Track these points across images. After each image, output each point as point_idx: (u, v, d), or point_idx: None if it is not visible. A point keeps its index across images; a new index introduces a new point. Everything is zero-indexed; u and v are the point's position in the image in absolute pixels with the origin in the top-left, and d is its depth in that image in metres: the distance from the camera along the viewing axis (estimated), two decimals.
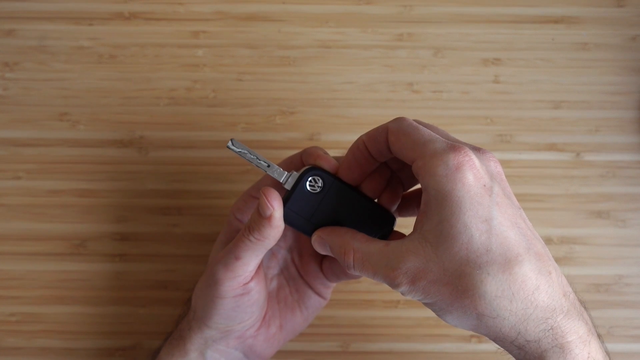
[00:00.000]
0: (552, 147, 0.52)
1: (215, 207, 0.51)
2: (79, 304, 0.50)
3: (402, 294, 0.33)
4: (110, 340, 0.50)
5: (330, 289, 0.44)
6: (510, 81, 0.53)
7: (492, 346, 0.49)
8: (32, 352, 0.50)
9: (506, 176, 0.51)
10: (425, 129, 0.34)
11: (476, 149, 0.34)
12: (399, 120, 0.35)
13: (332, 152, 0.51)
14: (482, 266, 0.30)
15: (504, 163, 0.52)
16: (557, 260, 0.51)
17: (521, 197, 0.51)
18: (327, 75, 0.53)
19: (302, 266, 0.43)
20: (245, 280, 0.37)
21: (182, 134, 0.52)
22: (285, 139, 0.52)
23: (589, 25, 0.54)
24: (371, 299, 0.51)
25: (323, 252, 0.37)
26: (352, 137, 0.51)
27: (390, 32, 0.54)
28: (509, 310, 0.30)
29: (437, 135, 0.34)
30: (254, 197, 0.41)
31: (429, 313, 0.50)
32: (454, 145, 0.32)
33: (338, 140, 0.52)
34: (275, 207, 0.35)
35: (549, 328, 0.30)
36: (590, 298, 0.51)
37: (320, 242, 0.37)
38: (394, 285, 0.33)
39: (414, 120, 0.36)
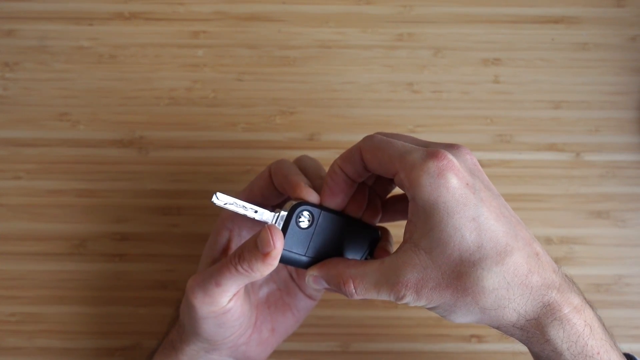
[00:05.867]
0: (552, 147, 0.52)
1: (214, 207, 0.51)
2: (78, 304, 0.50)
3: (408, 304, 0.33)
4: (110, 340, 0.50)
5: (320, 292, 0.44)
6: (510, 81, 0.53)
7: (492, 346, 0.50)
8: (32, 352, 0.49)
9: (506, 176, 0.52)
10: (397, 141, 0.35)
11: (450, 147, 0.34)
12: (369, 138, 0.36)
13: (332, 153, 0.52)
14: (476, 263, 0.32)
15: (504, 163, 0.52)
16: (557, 260, 0.51)
17: (521, 197, 0.51)
18: (327, 75, 0.53)
19: (296, 269, 0.43)
20: (222, 304, 0.37)
21: (182, 134, 0.52)
22: (285, 139, 0.52)
23: (589, 25, 0.54)
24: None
25: (320, 287, 0.37)
26: (352, 137, 0.52)
27: (390, 32, 0.54)
28: (507, 298, 0.32)
29: (411, 145, 0.34)
30: (245, 195, 0.41)
31: (429, 313, 0.50)
32: (432, 152, 0.33)
33: (338, 140, 0.52)
34: (277, 247, 0.34)
35: (546, 304, 0.32)
36: (590, 298, 0.50)
37: (316, 279, 0.37)
38: (398, 298, 0.33)
39: (380, 133, 0.36)
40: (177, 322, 0.42)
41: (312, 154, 0.51)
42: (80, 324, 0.50)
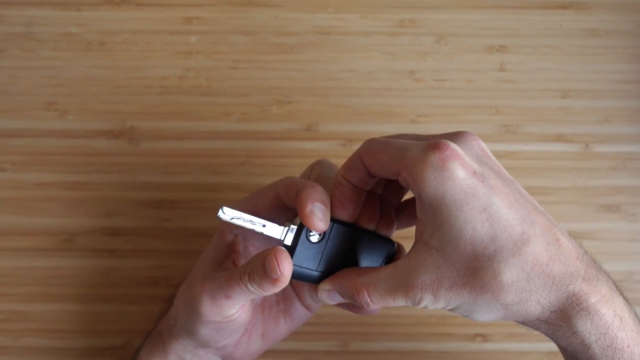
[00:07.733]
0: (559, 138, 0.52)
1: (209, 200, 0.51)
2: (67, 302, 0.50)
3: (426, 307, 0.32)
4: (99, 339, 0.49)
5: (319, 304, 0.43)
6: (516, 69, 0.53)
7: (497, 345, 0.49)
8: (19, 352, 0.49)
9: (512, 168, 0.50)
10: (395, 140, 0.34)
11: (453, 135, 0.33)
12: (368, 142, 0.35)
13: (331, 144, 0.51)
14: (491, 256, 0.30)
15: (510, 154, 0.51)
16: None
17: (528, 190, 0.49)
18: (325, 63, 0.53)
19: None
20: (229, 314, 0.36)
21: (175, 124, 0.52)
22: (282, 130, 0.52)
23: (599, 11, 0.54)
24: None
25: (335, 302, 0.37)
26: (351, 128, 0.52)
27: (391, 18, 0.53)
28: (528, 290, 0.30)
29: (411, 141, 0.33)
30: (249, 211, 0.40)
31: (431, 311, 0.49)
32: (432, 143, 0.32)
33: (337, 131, 0.52)
34: (284, 273, 0.33)
35: (571, 294, 0.31)
36: None
37: (329, 293, 0.36)
38: (415, 302, 0.32)
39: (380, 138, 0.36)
40: (167, 315, 0.41)
41: (310, 145, 0.51)
42: (69, 323, 0.49)
